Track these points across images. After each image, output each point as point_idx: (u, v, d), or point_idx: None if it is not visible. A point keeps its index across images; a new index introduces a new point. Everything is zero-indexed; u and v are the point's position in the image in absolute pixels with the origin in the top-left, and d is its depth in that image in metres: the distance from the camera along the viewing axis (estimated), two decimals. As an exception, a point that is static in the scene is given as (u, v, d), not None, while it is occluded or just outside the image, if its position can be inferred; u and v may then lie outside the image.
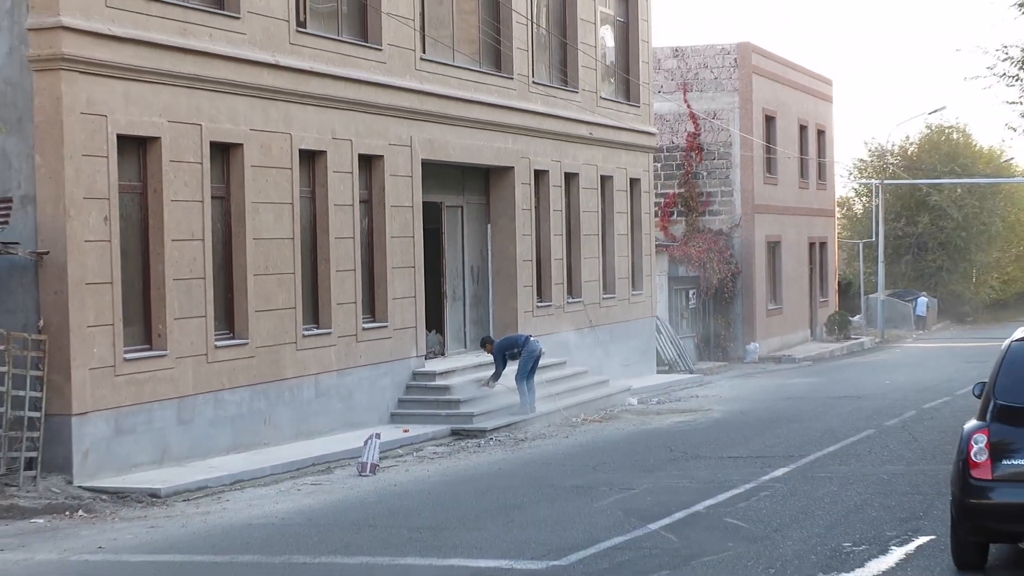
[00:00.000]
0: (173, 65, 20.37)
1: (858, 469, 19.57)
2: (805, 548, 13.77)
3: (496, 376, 26.68)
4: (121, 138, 19.52)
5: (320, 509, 17.36)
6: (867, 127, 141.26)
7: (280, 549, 14.49)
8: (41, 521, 16.76)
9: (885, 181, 67.26)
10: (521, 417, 26.27)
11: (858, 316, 63.88)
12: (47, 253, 18.57)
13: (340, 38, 24.75)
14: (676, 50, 49.06)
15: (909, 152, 77.54)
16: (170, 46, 20.30)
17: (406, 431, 24.21)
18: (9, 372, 18.05)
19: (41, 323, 18.58)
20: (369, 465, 20.61)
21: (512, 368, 26.79)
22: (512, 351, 26.81)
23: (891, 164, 75.11)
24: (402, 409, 25.71)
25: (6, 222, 18.34)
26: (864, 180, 75.43)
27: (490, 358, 27.24)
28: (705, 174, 48.60)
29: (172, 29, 20.44)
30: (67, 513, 17.25)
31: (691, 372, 40.51)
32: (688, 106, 48.57)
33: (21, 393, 18.19)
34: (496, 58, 30.22)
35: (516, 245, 30.41)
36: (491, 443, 24.27)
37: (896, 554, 13.46)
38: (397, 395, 25.94)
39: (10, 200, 18.55)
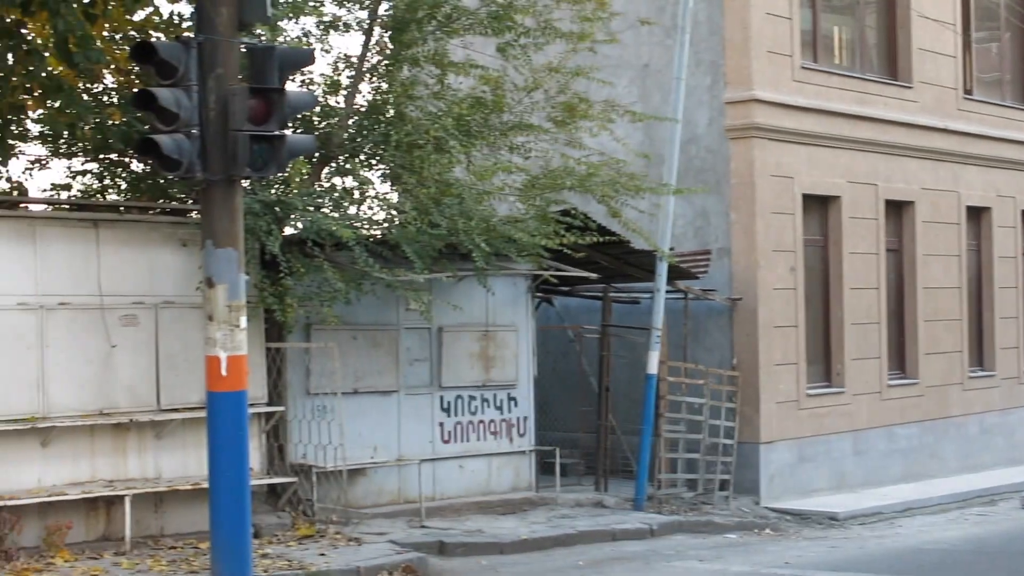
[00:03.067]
0: (851, 131, 20.10)
1: None
2: None
3: None
4: (805, 197, 19.43)
5: (987, 538, 16.35)
6: None
7: (951, 573, 13.73)
8: (733, 536, 16.74)
9: None
10: None
11: None
12: (740, 299, 18.69)
13: (1003, 103, 23.76)
14: None
15: None
16: (848, 114, 20.05)
17: (1070, 470, 22.54)
18: (707, 403, 18.26)
19: (734, 361, 18.69)
20: (1034, 500, 19.35)
21: None
22: None
23: None
24: (1065, 449, 23.99)
25: (706, 271, 18.60)
26: None
27: None
28: None
29: (850, 99, 20.17)
30: (755, 530, 17.15)
31: None
32: None
33: (717, 422, 18.36)
34: None
35: None
36: None
37: None
38: (1060, 435, 24.27)
39: (709, 252, 18.81)
